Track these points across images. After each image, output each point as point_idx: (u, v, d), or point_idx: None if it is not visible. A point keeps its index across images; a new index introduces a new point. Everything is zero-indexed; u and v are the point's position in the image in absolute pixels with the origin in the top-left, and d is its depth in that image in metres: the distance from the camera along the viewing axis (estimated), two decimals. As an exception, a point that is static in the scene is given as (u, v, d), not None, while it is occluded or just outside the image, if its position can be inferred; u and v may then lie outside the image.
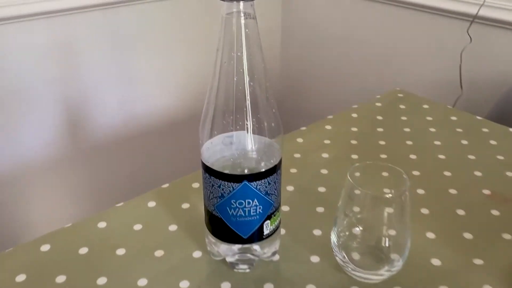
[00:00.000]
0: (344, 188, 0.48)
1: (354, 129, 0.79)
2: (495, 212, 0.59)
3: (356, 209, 0.48)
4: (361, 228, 0.49)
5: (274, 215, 0.48)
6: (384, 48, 1.29)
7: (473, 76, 1.09)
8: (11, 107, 1.10)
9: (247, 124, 0.43)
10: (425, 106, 0.86)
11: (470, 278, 0.49)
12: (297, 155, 0.71)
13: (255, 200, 0.45)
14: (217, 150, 0.45)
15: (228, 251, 0.49)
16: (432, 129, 0.78)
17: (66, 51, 1.14)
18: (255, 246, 0.49)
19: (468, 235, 0.55)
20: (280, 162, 0.46)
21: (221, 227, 0.47)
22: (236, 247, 0.49)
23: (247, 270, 0.50)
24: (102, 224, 0.57)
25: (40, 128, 1.15)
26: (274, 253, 0.52)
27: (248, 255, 0.49)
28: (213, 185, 0.45)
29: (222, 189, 0.45)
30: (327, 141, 0.75)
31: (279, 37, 1.55)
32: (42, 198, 1.22)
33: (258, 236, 0.48)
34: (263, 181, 0.45)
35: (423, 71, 1.20)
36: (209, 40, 1.36)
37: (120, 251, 0.53)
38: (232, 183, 0.44)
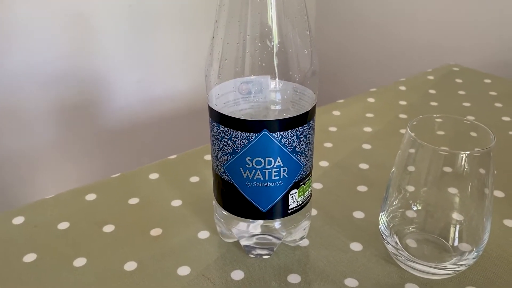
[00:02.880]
0: (399, 152, 0.35)
1: (403, 102, 0.66)
2: None
3: (416, 180, 0.35)
4: (422, 208, 0.37)
5: (304, 184, 0.36)
6: (434, 23, 1.15)
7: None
8: (20, 84, 1.02)
9: (272, 66, 0.32)
10: (487, 81, 0.72)
11: None
12: (332, 129, 0.59)
13: (279, 158, 0.33)
14: (231, 101, 0.33)
15: (243, 231, 0.37)
16: (498, 104, 0.65)
17: (80, 25, 1.05)
18: (277, 225, 0.37)
19: (561, 225, 0.42)
20: (313, 111, 0.34)
21: (232, 196, 0.36)
22: (253, 225, 0.37)
23: (266, 256, 0.38)
24: (90, 197, 0.46)
25: (51, 107, 1.07)
26: (302, 237, 0.40)
27: (269, 237, 0.38)
28: (222, 138, 0.34)
29: (235, 142, 0.33)
30: (369, 115, 0.62)
31: (313, 11, 1.42)
32: (53, 182, 1.13)
33: (281, 210, 0.36)
34: (289, 132, 0.33)
35: (480, 47, 1.05)
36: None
37: (108, 228, 0.42)
38: (247, 134, 0.32)
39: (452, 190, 0.35)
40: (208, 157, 0.53)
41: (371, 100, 0.66)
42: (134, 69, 1.15)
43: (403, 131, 0.58)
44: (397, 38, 1.24)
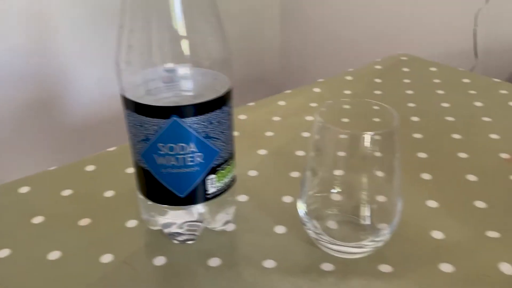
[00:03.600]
0: (310, 136, 0.36)
1: (348, 91, 0.67)
2: (516, 178, 0.47)
3: (329, 163, 0.36)
4: (338, 190, 0.38)
5: (222, 169, 0.37)
6: (387, 14, 1.17)
7: (490, 42, 0.97)
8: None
9: (180, 52, 0.32)
10: (433, 69, 0.74)
11: (482, 253, 0.37)
12: (276, 118, 0.60)
13: (192, 144, 0.34)
14: (142, 88, 0.34)
15: (166, 218, 0.38)
16: (440, 91, 0.66)
17: (37, 19, 1.04)
18: (200, 210, 0.38)
19: (480, 204, 0.43)
20: (228, 96, 0.35)
21: (150, 183, 0.36)
22: (175, 212, 0.37)
23: (190, 242, 0.39)
24: (24, 189, 0.46)
25: (11, 106, 1.06)
26: (227, 222, 0.40)
27: (192, 223, 0.38)
28: (135, 125, 0.34)
29: (146, 129, 0.34)
30: (313, 104, 0.63)
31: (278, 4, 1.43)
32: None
33: (200, 196, 0.36)
34: (201, 118, 0.33)
35: (431, 39, 1.07)
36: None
37: (37, 219, 0.42)
38: (157, 120, 0.33)
39: (363, 172, 0.36)
40: (148, 148, 0.53)
41: (316, 90, 0.67)
42: (93, 66, 1.14)
43: (345, 120, 0.59)
44: (358, 29, 1.26)
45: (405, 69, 0.74)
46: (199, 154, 0.35)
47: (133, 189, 0.46)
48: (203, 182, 0.36)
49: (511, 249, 0.37)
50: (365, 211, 0.37)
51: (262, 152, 0.53)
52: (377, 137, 0.33)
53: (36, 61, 1.06)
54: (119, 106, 1.29)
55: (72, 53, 1.10)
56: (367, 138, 0.33)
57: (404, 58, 0.78)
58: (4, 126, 1.07)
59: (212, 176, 0.36)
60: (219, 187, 0.37)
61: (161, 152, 0.34)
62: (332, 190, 0.38)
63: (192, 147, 0.34)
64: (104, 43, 1.14)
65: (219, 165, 0.36)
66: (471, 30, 0.96)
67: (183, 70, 0.33)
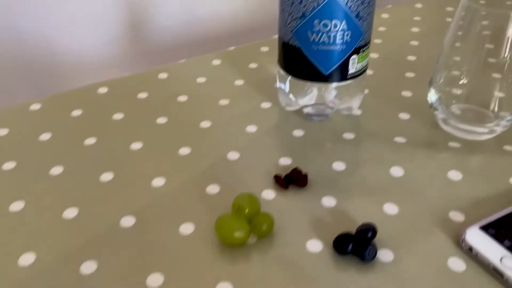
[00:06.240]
0: (454, 19, 0.38)
1: (417, 18, 0.67)
2: None
3: (466, 54, 0.38)
4: (466, 81, 0.40)
5: (363, 51, 0.40)
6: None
7: None
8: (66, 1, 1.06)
9: None
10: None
11: None
12: (382, 29, 0.62)
13: (344, 22, 0.37)
14: None
15: (302, 95, 0.42)
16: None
17: None
18: (334, 92, 0.41)
19: None
20: (375, -20, 0.38)
21: (298, 60, 0.40)
22: (312, 93, 0.41)
23: (321, 121, 0.43)
24: (163, 75, 0.52)
25: (97, 25, 1.12)
26: (354, 108, 0.44)
27: (322, 107, 0.42)
28: (293, 3, 0.38)
29: (304, 6, 0.37)
30: (417, 18, 0.65)
31: None
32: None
33: (341, 74, 0.40)
34: (355, -5, 0.36)
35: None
36: None
37: (182, 98, 0.47)
38: (316, -4, 0.36)
39: (496, 59, 0.38)
40: (265, 48, 0.57)
41: (418, 6, 0.68)
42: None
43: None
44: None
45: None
46: (348, 32, 0.38)
47: (259, 80, 0.50)
48: (346, 62, 0.39)
49: None
50: (492, 102, 0.40)
51: (374, 55, 0.55)
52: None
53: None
54: (199, 30, 1.30)
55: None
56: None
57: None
58: (93, 45, 1.13)
59: (355, 56, 0.40)
60: (358, 68, 0.41)
61: (315, 29, 0.38)
62: (461, 81, 0.40)
63: (344, 25, 0.37)
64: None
65: (362, 47, 0.40)
66: None
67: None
